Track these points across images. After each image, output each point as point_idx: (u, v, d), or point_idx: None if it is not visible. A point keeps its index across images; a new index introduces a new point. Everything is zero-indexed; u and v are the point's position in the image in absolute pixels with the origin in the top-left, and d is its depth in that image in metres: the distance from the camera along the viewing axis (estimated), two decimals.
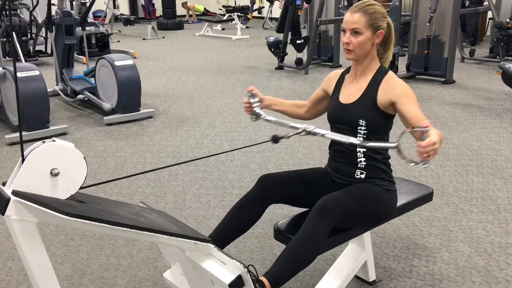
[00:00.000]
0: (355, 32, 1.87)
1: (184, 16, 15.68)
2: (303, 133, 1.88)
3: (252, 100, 2.09)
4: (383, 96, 1.90)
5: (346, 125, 1.96)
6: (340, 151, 2.02)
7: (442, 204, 3.08)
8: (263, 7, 15.23)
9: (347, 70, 2.07)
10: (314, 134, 1.86)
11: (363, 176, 1.96)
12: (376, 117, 1.91)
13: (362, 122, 1.91)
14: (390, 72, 1.96)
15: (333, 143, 2.08)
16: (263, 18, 14.47)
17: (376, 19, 1.88)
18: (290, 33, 7.45)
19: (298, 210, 2.10)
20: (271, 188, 1.99)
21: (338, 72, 2.11)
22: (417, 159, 1.54)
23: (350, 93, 1.99)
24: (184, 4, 15.58)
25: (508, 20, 7.48)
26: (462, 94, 6.00)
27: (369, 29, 1.87)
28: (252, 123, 4.86)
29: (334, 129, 2.04)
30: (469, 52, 8.09)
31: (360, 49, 1.90)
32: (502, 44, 7.32)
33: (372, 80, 1.94)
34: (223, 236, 1.98)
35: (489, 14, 9.68)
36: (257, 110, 2.10)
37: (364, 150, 1.95)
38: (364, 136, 1.93)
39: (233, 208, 2.01)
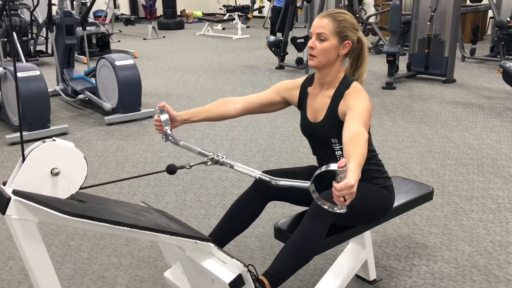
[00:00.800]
0: (321, 37, 1.80)
1: (184, 16, 15.69)
2: (209, 162, 1.71)
3: (162, 118, 1.88)
4: (341, 109, 1.82)
5: (320, 141, 1.95)
6: (323, 160, 2.00)
7: (443, 203, 3.08)
8: (263, 7, 15.23)
9: (308, 81, 1.99)
10: (222, 164, 1.70)
11: None
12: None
13: (334, 140, 1.88)
14: (354, 84, 1.85)
15: (314, 153, 2.06)
16: (263, 17, 14.47)
17: (344, 28, 1.81)
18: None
19: (299, 209, 2.10)
20: (268, 186, 1.99)
21: (296, 82, 2.02)
22: (332, 202, 1.39)
23: (316, 110, 1.92)
24: (182, 12, 15.61)
25: (508, 19, 7.47)
26: (463, 93, 6.00)
27: (335, 36, 1.80)
28: (252, 122, 4.86)
29: (311, 143, 2.04)
30: (470, 51, 8.09)
31: (324, 57, 1.81)
32: (502, 43, 7.31)
33: (334, 94, 1.86)
34: (223, 235, 1.98)
35: (490, 13, 9.67)
36: (167, 130, 1.87)
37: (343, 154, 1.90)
38: (342, 150, 1.83)
39: (232, 207, 2.02)
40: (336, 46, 1.81)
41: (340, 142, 1.85)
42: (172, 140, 1.86)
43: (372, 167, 1.95)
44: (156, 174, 3.56)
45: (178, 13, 15.06)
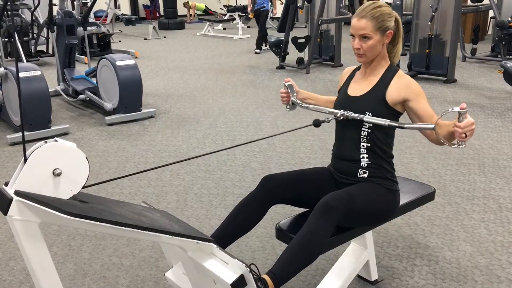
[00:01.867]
0: (364, 37, 1.88)
1: (185, 15, 15.68)
2: (341, 117, 1.95)
3: (290, 91, 2.18)
4: (395, 92, 1.91)
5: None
6: (343, 150, 2.02)
7: (444, 203, 3.08)
8: None
9: (359, 67, 2.10)
10: (353, 118, 1.93)
11: (366, 175, 1.96)
12: (383, 112, 1.92)
13: (369, 114, 1.92)
14: (400, 71, 1.98)
15: (337, 141, 2.08)
16: None
17: (383, 21, 1.89)
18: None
19: (300, 210, 2.10)
20: (274, 189, 1.99)
21: (351, 68, 2.15)
22: (453, 140, 1.65)
23: (359, 87, 2.01)
24: (185, 4, 15.58)
25: (509, 19, 7.46)
26: (464, 93, 5.99)
27: (377, 32, 1.88)
28: (253, 122, 4.86)
29: (339, 121, 2.05)
30: (471, 51, 8.08)
31: (371, 52, 1.92)
32: (503, 43, 7.30)
33: (382, 77, 1.96)
34: (225, 235, 1.98)
35: (491, 13, 9.66)
36: (294, 99, 2.19)
37: (368, 146, 1.94)
38: (369, 130, 1.94)
39: (236, 208, 2.01)
40: (380, 39, 1.91)
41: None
42: (300, 104, 2.19)
43: (387, 167, 2.00)
44: (156, 174, 3.56)
45: (182, 3, 15.06)
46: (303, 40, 7.38)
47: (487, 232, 2.72)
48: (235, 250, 2.54)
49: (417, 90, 1.92)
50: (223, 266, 1.57)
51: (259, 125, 4.79)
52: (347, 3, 9.62)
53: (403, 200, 2.13)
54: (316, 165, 3.62)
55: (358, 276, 2.29)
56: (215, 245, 1.61)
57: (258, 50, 9.30)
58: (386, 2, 9.56)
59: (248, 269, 1.53)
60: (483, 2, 8.24)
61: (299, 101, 2.19)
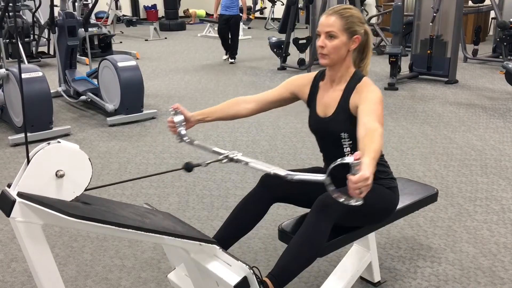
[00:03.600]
0: (330, 35, 1.81)
1: (186, 17, 15.69)
2: (225, 160, 1.73)
3: (176, 120, 1.88)
4: (352, 103, 1.83)
5: (329, 138, 1.93)
6: (330, 158, 1.99)
7: (447, 204, 3.07)
8: (265, 8, 15.23)
9: (320, 76, 2.00)
10: (237, 161, 1.71)
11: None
12: (356, 127, 1.78)
13: (344, 135, 1.87)
14: (365, 79, 1.87)
15: (322, 151, 2.06)
16: (265, 18, 14.46)
17: (352, 23, 1.82)
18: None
19: (302, 211, 2.09)
20: (273, 186, 1.99)
21: (308, 76, 2.02)
22: (347, 195, 1.40)
23: (327, 104, 1.92)
24: (185, 12, 15.60)
25: (511, 20, 7.46)
26: (465, 94, 5.98)
27: (344, 33, 1.80)
28: (254, 123, 4.86)
29: (319, 140, 2.04)
30: (472, 52, 8.07)
31: (335, 54, 1.82)
32: (505, 43, 7.30)
33: (345, 88, 1.87)
34: (227, 236, 1.97)
35: (492, 14, 9.66)
36: (182, 131, 1.88)
37: (352, 152, 1.90)
38: (351, 146, 1.88)
39: (236, 208, 2.01)
40: (346, 42, 1.82)
41: (350, 138, 1.85)
42: (187, 140, 1.88)
43: (379, 168, 1.95)
44: (159, 175, 3.56)
45: (181, 14, 15.07)
46: (304, 41, 7.37)
47: (490, 234, 2.72)
48: (238, 252, 2.54)
49: (365, 96, 1.77)
50: (226, 268, 1.57)
51: (260, 126, 4.79)
52: (348, 3, 9.60)
53: (406, 201, 2.13)
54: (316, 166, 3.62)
55: (361, 277, 2.28)
56: (217, 247, 1.61)
57: (233, 60, 8.34)
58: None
59: (251, 271, 1.53)
60: (485, 3, 8.23)
61: (185, 135, 1.88)
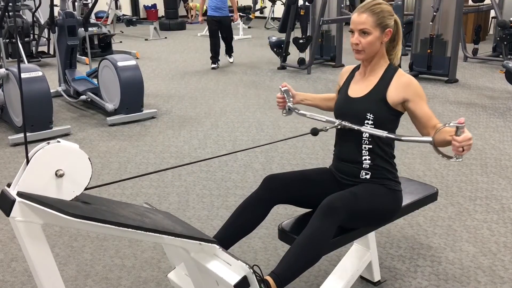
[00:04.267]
0: (364, 32, 1.88)
1: (186, 16, 15.68)
2: (339, 126, 1.95)
3: (285, 96, 2.17)
4: (394, 92, 1.90)
5: (353, 118, 1.95)
6: (345, 151, 2.02)
7: (447, 203, 3.07)
8: (265, 7, 15.22)
9: (358, 67, 2.08)
10: (349, 127, 1.92)
11: (368, 176, 1.96)
12: (384, 112, 1.91)
13: (370, 116, 1.91)
14: (400, 70, 1.97)
15: (338, 143, 2.07)
16: (265, 18, 14.45)
17: (383, 18, 1.88)
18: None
19: (302, 211, 2.09)
20: (276, 189, 1.99)
21: (350, 67, 2.13)
22: (451, 153, 1.62)
23: (359, 88, 1.99)
24: (186, 5, 15.59)
25: (511, 19, 7.45)
26: (465, 93, 5.98)
27: (377, 28, 1.87)
28: (254, 123, 4.86)
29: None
30: (472, 51, 8.07)
31: (370, 49, 1.90)
32: (505, 43, 7.28)
33: (382, 77, 1.95)
34: (228, 236, 1.97)
35: (492, 13, 9.65)
36: (290, 104, 2.18)
37: (370, 148, 1.94)
38: (370, 134, 1.93)
39: (238, 209, 2.01)
40: (379, 36, 1.90)
41: (374, 121, 1.90)
42: (296, 111, 2.16)
43: (389, 168, 1.99)
44: (157, 175, 3.56)
45: (183, 6, 15.03)
46: (304, 40, 7.37)
47: (490, 233, 2.72)
48: (238, 251, 2.54)
49: (417, 91, 1.90)
50: (226, 267, 1.57)
51: (261, 125, 4.79)
52: (348, 3, 9.59)
53: (406, 200, 2.13)
54: (318, 165, 3.62)
55: (361, 277, 2.28)
56: (217, 246, 1.61)
57: (215, 66, 7.84)
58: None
59: (251, 270, 1.53)
60: (485, 2, 8.22)
61: (295, 108, 2.17)
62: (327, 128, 1.94)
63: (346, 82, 2.08)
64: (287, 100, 2.18)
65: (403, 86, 1.90)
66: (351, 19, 1.92)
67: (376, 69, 1.98)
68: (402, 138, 1.79)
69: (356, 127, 1.90)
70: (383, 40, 1.92)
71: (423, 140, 1.74)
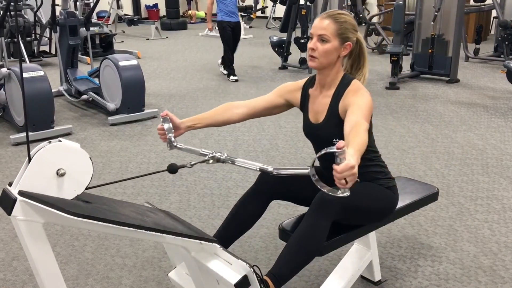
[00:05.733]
0: (322, 39, 1.81)
1: (184, 17, 15.70)
2: (210, 160, 1.75)
3: (165, 127, 1.89)
4: (342, 107, 1.83)
5: (322, 143, 1.91)
6: (326, 164, 1.98)
7: (447, 203, 3.07)
8: (266, 7, 15.22)
9: (310, 83, 2.00)
10: (223, 161, 1.73)
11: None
12: None
13: (336, 140, 1.83)
14: (354, 82, 1.87)
15: (317, 151, 2.06)
16: (266, 17, 14.46)
17: (345, 30, 1.82)
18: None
19: (303, 210, 2.09)
20: (272, 183, 1.99)
21: (298, 83, 2.03)
22: (334, 187, 1.38)
23: (317, 111, 1.93)
24: (185, 12, 15.62)
25: None
26: (467, 93, 5.98)
27: (337, 38, 1.80)
28: (255, 122, 4.86)
29: (314, 144, 2.06)
30: (474, 51, 8.06)
31: (325, 58, 1.82)
32: (506, 43, 7.28)
33: (334, 93, 1.87)
34: (227, 235, 1.98)
35: (494, 13, 9.64)
36: (171, 137, 1.90)
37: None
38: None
39: (235, 207, 2.02)
40: (337, 47, 1.82)
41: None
42: (177, 146, 1.88)
43: (375, 169, 1.95)
44: (159, 174, 3.56)
45: (181, 14, 15.08)
46: (305, 40, 7.37)
47: (491, 233, 2.72)
48: (238, 251, 2.54)
49: (352, 99, 1.77)
50: (227, 266, 1.57)
51: (262, 125, 4.79)
52: (349, 3, 9.58)
53: (406, 200, 2.13)
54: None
55: (362, 276, 2.28)
56: (218, 246, 1.61)
57: (237, 77, 6.91)
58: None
59: (252, 270, 1.53)
60: (486, 2, 8.22)
61: (174, 140, 1.89)
62: (192, 163, 1.74)
63: (303, 103, 1.99)
64: (167, 132, 1.89)
65: (348, 97, 1.81)
66: (313, 23, 1.86)
67: (330, 85, 1.89)
68: (280, 172, 1.56)
69: (230, 160, 1.71)
70: (341, 53, 1.83)
71: (300, 173, 1.47)
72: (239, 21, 7.05)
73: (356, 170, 1.34)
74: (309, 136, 2.02)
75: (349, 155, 1.37)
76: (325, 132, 1.89)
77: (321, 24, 1.81)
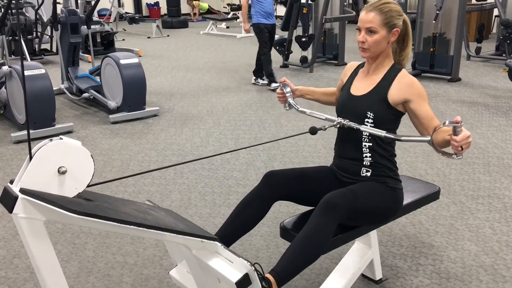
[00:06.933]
0: (370, 31, 1.87)
1: (189, 14, 15.69)
2: (338, 125, 1.95)
3: (285, 91, 2.17)
4: (396, 93, 1.89)
5: (354, 116, 1.95)
6: (346, 149, 2.02)
7: (449, 202, 3.07)
8: None
9: (362, 65, 2.08)
10: (349, 126, 1.92)
11: (368, 174, 1.96)
12: (385, 112, 1.91)
13: (370, 115, 1.91)
14: (403, 70, 1.96)
15: (339, 141, 2.07)
16: None
17: (391, 18, 1.88)
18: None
19: (304, 209, 2.09)
20: (277, 185, 1.99)
21: (354, 64, 2.13)
22: (451, 151, 1.64)
23: (362, 86, 1.99)
24: (189, 1, 15.59)
25: None
26: (468, 92, 5.97)
27: (384, 27, 1.87)
28: (256, 121, 4.86)
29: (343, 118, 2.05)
30: (475, 50, 8.05)
31: (376, 48, 1.90)
32: (508, 41, 7.27)
33: (384, 76, 1.94)
34: (229, 233, 1.97)
35: (495, 12, 9.62)
36: (290, 100, 2.17)
37: (370, 146, 1.94)
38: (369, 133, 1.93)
39: (239, 206, 2.01)
40: (386, 36, 1.89)
41: (374, 119, 1.90)
42: (296, 108, 2.15)
43: (389, 165, 1.98)
44: (160, 172, 3.56)
45: (183, 10, 15.06)
46: (306, 38, 7.36)
47: (492, 232, 2.71)
48: (239, 249, 2.54)
49: (418, 91, 1.89)
50: (228, 264, 1.57)
51: (263, 123, 4.79)
52: (351, 1, 9.58)
53: (408, 199, 2.13)
54: (320, 164, 3.62)
55: (363, 275, 2.28)
56: (219, 244, 1.61)
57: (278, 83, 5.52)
58: None
59: (253, 268, 1.53)
60: (488, 1, 8.20)
61: (295, 104, 2.17)
62: (326, 127, 1.94)
63: (349, 79, 2.08)
64: (287, 95, 2.17)
65: (405, 86, 1.89)
66: (359, 16, 1.92)
67: (379, 68, 1.97)
68: (401, 138, 1.79)
69: (355, 126, 1.89)
70: (390, 39, 1.91)
71: (422, 140, 1.74)
72: (275, 23, 6.42)
73: (471, 139, 1.59)
74: (343, 106, 2.03)
75: (464, 129, 1.58)
76: (364, 104, 1.94)
77: (367, 17, 1.88)
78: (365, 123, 1.92)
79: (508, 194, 3.17)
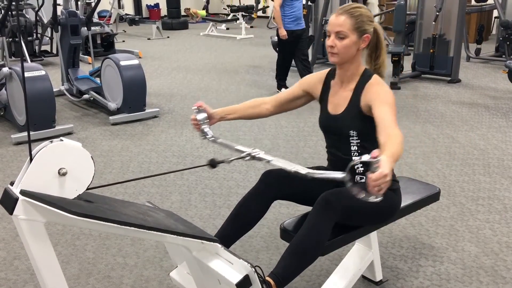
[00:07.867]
0: (340, 36, 1.82)
1: (189, 15, 15.71)
2: (247, 157, 1.76)
3: (199, 117, 1.94)
4: (364, 101, 1.85)
5: (338, 135, 1.94)
6: (337, 161, 2.01)
7: (449, 203, 3.07)
8: (267, 7, 15.20)
9: (331, 75, 2.02)
10: (259, 159, 1.74)
11: (363, 180, 1.95)
12: (365, 125, 1.86)
13: (353, 133, 1.89)
14: (375, 76, 1.89)
15: (329, 147, 2.07)
16: (267, 17, 14.45)
17: (362, 22, 1.82)
18: None
19: (304, 210, 2.09)
20: (274, 183, 1.99)
21: (320, 74, 2.05)
22: (367, 192, 1.41)
23: (338, 103, 1.95)
24: (186, 10, 15.61)
25: None
26: (468, 93, 5.97)
27: (354, 32, 1.81)
28: (256, 122, 4.86)
29: (328, 138, 2.06)
30: (475, 51, 8.05)
31: (345, 53, 1.84)
32: (508, 43, 7.27)
33: (356, 87, 1.90)
34: (229, 234, 1.97)
35: (495, 13, 9.62)
36: (205, 128, 1.94)
37: (360, 152, 1.92)
38: (359, 145, 1.92)
39: (237, 206, 2.01)
40: (356, 41, 1.84)
41: (358, 136, 1.88)
42: (211, 138, 1.93)
43: None
44: (162, 174, 3.56)
45: (182, 13, 15.08)
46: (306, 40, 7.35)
47: (492, 233, 2.71)
48: (240, 250, 2.54)
49: (377, 95, 1.80)
50: (228, 266, 1.57)
51: (263, 124, 4.79)
52: (351, 2, 9.58)
53: (408, 200, 2.13)
54: (319, 165, 3.62)
55: (363, 276, 2.28)
56: (219, 245, 1.61)
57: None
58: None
59: (253, 270, 1.53)
60: (487, 2, 8.21)
61: (209, 132, 1.94)
62: (230, 159, 1.76)
63: (323, 94, 2.01)
64: (200, 123, 1.93)
65: (368, 92, 1.84)
66: (329, 20, 1.87)
67: (351, 78, 1.91)
68: (315, 176, 1.57)
69: (266, 159, 1.72)
70: (360, 46, 1.85)
71: (335, 178, 1.50)
72: (305, 27, 5.94)
73: (390, 177, 1.37)
74: (325, 127, 2.01)
75: (383, 162, 1.38)
76: (344, 124, 1.91)
77: (337, 21, 1.82)
78: (351, 140, 1.91)
79: (508, 196, 3.17)
